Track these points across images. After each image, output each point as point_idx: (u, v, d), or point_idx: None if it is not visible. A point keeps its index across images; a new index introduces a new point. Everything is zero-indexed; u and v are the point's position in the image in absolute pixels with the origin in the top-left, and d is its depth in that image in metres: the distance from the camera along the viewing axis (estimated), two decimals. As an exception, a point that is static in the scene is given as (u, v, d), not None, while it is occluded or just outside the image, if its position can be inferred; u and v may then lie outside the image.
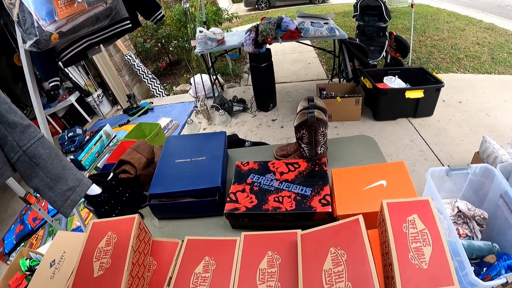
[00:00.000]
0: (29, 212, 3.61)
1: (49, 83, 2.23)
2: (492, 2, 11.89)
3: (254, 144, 3.51)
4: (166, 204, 1.59)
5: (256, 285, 1.05)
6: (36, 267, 2.34)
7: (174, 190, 1.55)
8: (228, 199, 1.45)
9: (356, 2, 5.43)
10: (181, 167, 1.70)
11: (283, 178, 1.49)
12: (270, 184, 1.47)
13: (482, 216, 1.86)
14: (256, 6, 16.13)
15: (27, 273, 2.40)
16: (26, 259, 2.46)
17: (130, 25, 2.31)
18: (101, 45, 2.36)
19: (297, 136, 1.57)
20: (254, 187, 1.48)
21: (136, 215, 1.21)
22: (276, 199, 1.38)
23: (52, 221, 2.69)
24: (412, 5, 5.08)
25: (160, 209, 1.62)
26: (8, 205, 4.10)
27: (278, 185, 1.46)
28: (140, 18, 2.62)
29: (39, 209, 2.48)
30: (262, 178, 1.52)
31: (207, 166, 1.66)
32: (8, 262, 3.08)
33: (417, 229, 0.94)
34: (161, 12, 2.57)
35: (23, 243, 3.31)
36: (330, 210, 1.28)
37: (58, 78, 2.26)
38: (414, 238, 0.92)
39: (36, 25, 1.61)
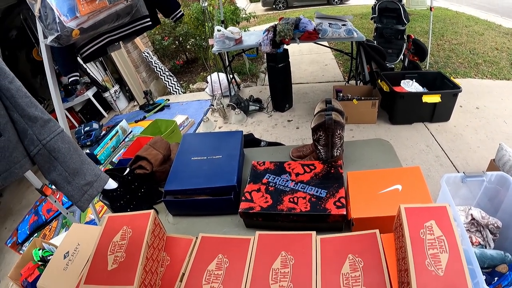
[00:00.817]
0: (43, 203, 3.66)
1: (69, 78, 2.27)
2: (511, 6, 11.71)
3: (270, 144, 3.52)
4: (181, 201, 1.60)
5: (268, 285, 1.05)
6: (48, 258, 2.39)
7: (189, 188, 1.57)
8: (243, 198, 1.46)
9: (374, 4, 5.38)
10: (197, 164, 1.71)
11: (299, 179, 1.50)
12: (286, 185, 1.47)
13: (495, 225, 1.84)
14: (274, 6, 16.13)
15: (39, 263, 2.41)
16: (39, 250, 2.48)
17: (150, 22, 2.34)
18: (120, 42, 2.40)
19: (314, 137, 1.57)
20: (269, 187, 1.48)
21: (152, 211, 1.23)
22: (291, 200, 1.38)
23: (67, 213, 2.73)
24: (431, 8, 5.04)
25: (175, 205, 1.63)
26: (23, 195, 4.18)
27: (294, 186, 1.46)
28: (160, 16, 2.65)
29: (55, 201, 2.53)
30: (277, 179, 1.52)
31: (223, 164, 1.67)
32: (21, 251, 3.14)
33: (434, 236, 0.94)
34: (180, 11, 2.61)
35: (36, 234, 3.35)
36: (345, 213, 1.28)
37: (77, 73, 2.31)
38: (431, 245, 0.92)
39: (57, 20, 1.65)
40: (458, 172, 3.19)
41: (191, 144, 1.92)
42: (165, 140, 2.04)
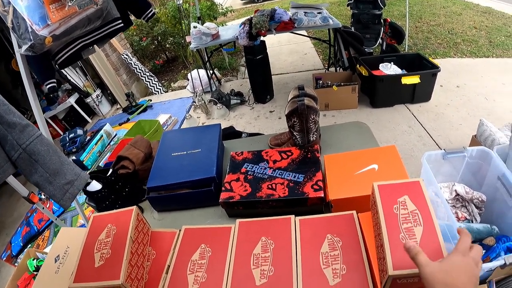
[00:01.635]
0: (34, 214, 3.69)
1: (46, 85, 2.28)
2: (489, -16, 11.81)
3: (251, 135, 3.55)
4: (164, 196, 1.62)
5: (250, 270, 1.08)
6: None
7: (171, 182, 1.58)
8: (223, 188, 1.48)
9: (350, -10, 5.44)
10: (178, 160, 1.73)
11: (276, 166, 1.53)
12: (264, 172, 1.50)
13: (480, 199, 1.87)
14: (253, -1, 16.08)
15: (35, 273, 2.42)
16: (33, 260, 2.51)
17: (122, 24, 2.35)
18: (95, 46, 2.40)
19: (289, 124, 1.60)
20: (248, 176, 1.51)
21: (134, 207, 1.25)
22: (270, 186, 1.41)
23: (56, 219, 2.76)
24: (407, -10, 5.10)
25: (159, 201, 1.65)
26: (14, 208, 4.18)
27: (272, 173, 1.49)
28: (132, 17, 2.65)
29: (43, 208, 2.55)
30: (255, 167, 1.55)
31: (203, 157, 1.69)
32: (16, 264, 3.14)
33: (408, 210, 0.96)
34: (151, 10, 2.61)
35: (30, 245, 3.39)
36: (323, 195, 1.31)
37: (54, 80, 2.34)
38: (405, 219, 0.93)
39: (30, 30, 1.67)
40: (441, 150, 3.24)
41: (171, 141, 1.94)
42: (145, 138, 2.06)
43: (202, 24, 4.82)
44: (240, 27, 4.33)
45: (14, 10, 1.66)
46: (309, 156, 1.53)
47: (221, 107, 4.82)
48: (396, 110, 4.19)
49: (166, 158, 1.77)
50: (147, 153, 1.96)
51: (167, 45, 7.48)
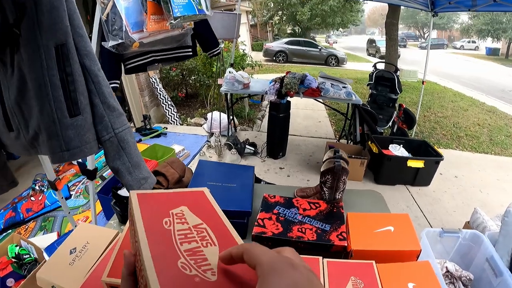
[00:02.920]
0: (23, 202, 3.71)
1: (110, 84, 2.42)
2: (496, 86, 12.56)
3: (267, 183, 3.76)
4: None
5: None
6: (25, 256, 2.45)
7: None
8: (256, 223, 1.67)
9: (372, 72, 5.84)
10: (213, 188, 1.86)
11: (306, 213, 1.75)
12: (294, 217, 1.72)
13: (468, 277, 2.07)
14: (274, 58, 16.94)
15: (13, 260, 2.47)
16: (16, 246, 2.53)
17: (191, 53, 2.54)
18: (160, 64, 2.54)
19: (322, 180, 1.85)
20: (280, 217, 1.72)
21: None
22: (300, 229, 1.63)
23: (69, 212, 2.77)
24: (423, 82, 5.53)
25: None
26: None
27: (301, 218, 1.71)
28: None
29: (62, 198, 2.60)
30: (287, 211, 1.77)
31: (238, 192, 1.87)
32: None
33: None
34: (218, 49, 2.82)
35: (11, 230, 3.40)
36: (346, 245, 1.53)
37: (118, 82, 2.43)
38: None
39: (124, 29, 1.82)
40: (434, 232, 3.49)
41: (207, 170, 2.08)
42: (181, 161, 2.23)
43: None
44: (270, 83, 4.66)
45: (114, 6, 1.79)
46: (334, 210, 1.77)
47: (234, 152, 5.02)
48: (397, 189, 4.45)
49: (202, 185, 1.86)
50: (181, 175, 2.12)
51: (190, 81, 7.72)
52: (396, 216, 1.72)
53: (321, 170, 1.82)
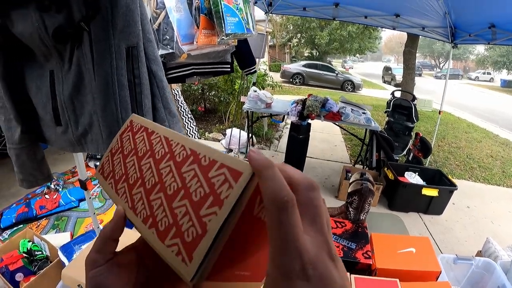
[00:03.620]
0: (37, 198, 3.73)
1: None
2: (511, 118, 12.58)
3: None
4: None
5: None
6: (36, 253, 2.45)
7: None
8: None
9: (390, 100, 5.99)
10: None
11: (332, 232, 1.89)
12: (322, 234, 1.87)
13: (479, 304, 2.20)
14: (291, 80, 17.18)
15: (24, 255, 2.46)
16: (29, 241, 2.56)
17: (229, 69, 2.62)
18: (198, 76, 2.58)
19: (348, 200, 1.99)
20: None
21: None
22: (328, 245, 1.77)
23: (94, 213, 2.67)
24: (439, 112, 5.65)
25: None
26: (13, 183, 4.13)
27: (329, 236, 1.85)
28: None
29: (90, 198, 2.50)
30: (315, 228, 1.92)
31: None
32: (0, 237, 3.17)
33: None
34: (254, 68, 2.94)
35: (22, 225, 3.37)
36: (371, 263, 1.67)
37: None
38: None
39: (175, 40, 1.88)
40: (446, 260, 3.58)
41: None
42: None
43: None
44: (292, 104, 4.80)
45: (166, 16, 1.84)
46: (359, 230, 1.91)
47: (251, 169, 5.11)
48: (410, 216, 4.52)
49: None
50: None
51: (210, 96, 7.88)
52: (417, 239, 1.86)
53: (348, 191, 1.96)
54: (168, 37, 1.86)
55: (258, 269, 0.40)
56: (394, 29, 6.08)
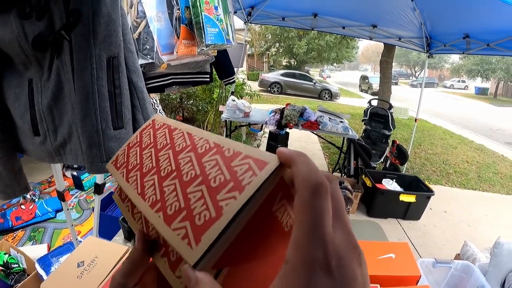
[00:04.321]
0: (13, 209, 3.64)
1: None
2: (485, 125, 12.99)
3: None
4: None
5: None
6: (13, 265, 2.39)
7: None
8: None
9: (367, 108, 6.08)
10: None
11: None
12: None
13: (458, 307, 2.24)
14: (269, 89, 17.29)
15: (1, 268, 2.41)
16: (5, 254, 2.50)
17: (208, 79, 2.58)
18: (177, 86, 2.54)
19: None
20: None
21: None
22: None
23: (72, 225, 2.64)
24: (415, 120, 5.76)
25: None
26: None
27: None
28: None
29: (67, 209, 2.48)
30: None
31: None
32: None
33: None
34: (233, 78, 2.93)
35: None
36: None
37: None
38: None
39: (155, 50, 1.84)
40: (425, 265, 3.63)
41: None
42: None
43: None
44: (270, 113, 4.85)
45: (147, 26, 1.81)
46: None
47: (230, 179, 5.11)
48: (388, 222, 4.57)
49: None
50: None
51: (188, 105, 7.83)
52: (396, 245, 1.89)
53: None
54: (148, 47, 1.83)
55: (259, 279, 0.37)
56: (371, 39, 6.16)
